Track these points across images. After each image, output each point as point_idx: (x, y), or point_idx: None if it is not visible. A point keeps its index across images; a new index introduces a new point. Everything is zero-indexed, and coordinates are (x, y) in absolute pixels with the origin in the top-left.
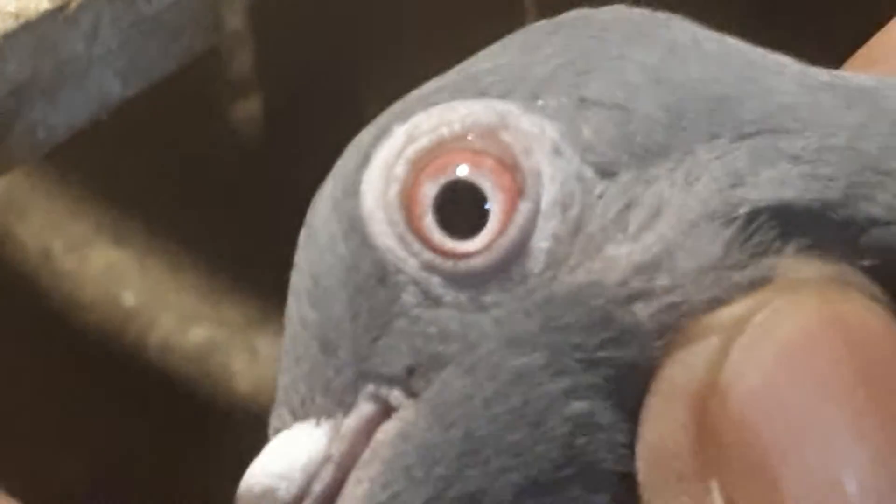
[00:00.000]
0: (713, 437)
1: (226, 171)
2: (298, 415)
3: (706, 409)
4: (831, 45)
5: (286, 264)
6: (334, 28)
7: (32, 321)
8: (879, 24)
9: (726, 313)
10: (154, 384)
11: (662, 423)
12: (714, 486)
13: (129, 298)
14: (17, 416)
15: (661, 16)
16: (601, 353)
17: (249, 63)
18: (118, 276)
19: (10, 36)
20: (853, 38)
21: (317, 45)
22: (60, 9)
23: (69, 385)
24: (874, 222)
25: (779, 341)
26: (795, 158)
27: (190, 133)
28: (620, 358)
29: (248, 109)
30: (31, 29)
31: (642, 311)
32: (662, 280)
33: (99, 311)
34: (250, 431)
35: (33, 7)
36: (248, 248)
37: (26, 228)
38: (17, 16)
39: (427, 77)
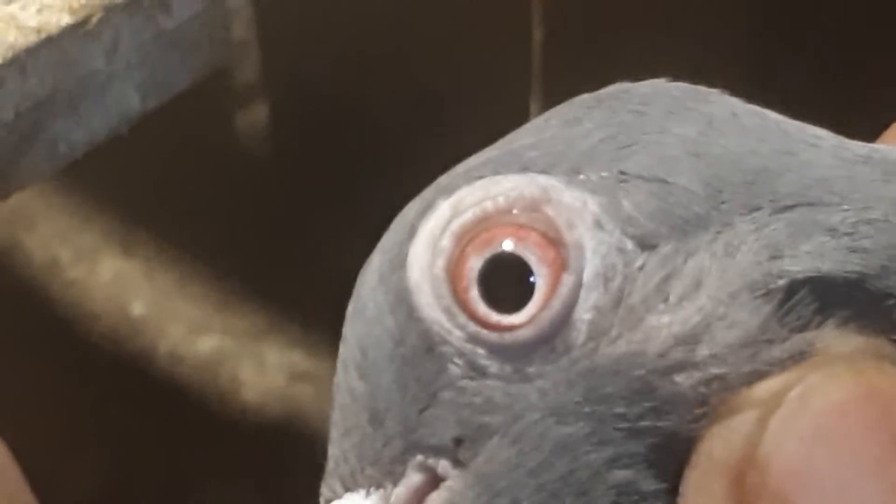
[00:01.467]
0: None
1: (233, 181)
2: (349, 485)
3: (745, 482)
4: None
5: (294, 274)
6: (340, 38)
7: (41, 331)
8: None
9: (764, 388)
10: (162, 394)
11: (702, 497)
12: None
13: (137, 308)
14: (25, 425)
15: (701, 89)
16: (643, 423)
17: (256, 72)
18: (126, 286)
19: (32, 51)
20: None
21: (323, 55)
22: (81, 24)
23: (78, 394)
24: None
25: (815, 415)
26: (833, 231)
27: (197, 143)
28: (662, 428)
29: (254, 119)
30: (53, 44)
31: (683, 381)
32: (702, 351)
33: (107, 320)
34: (256, 439)
35: (54, 22)
36: (256, 258)
37: (35, 239)
38: (38, 31)
39: (434, 83)
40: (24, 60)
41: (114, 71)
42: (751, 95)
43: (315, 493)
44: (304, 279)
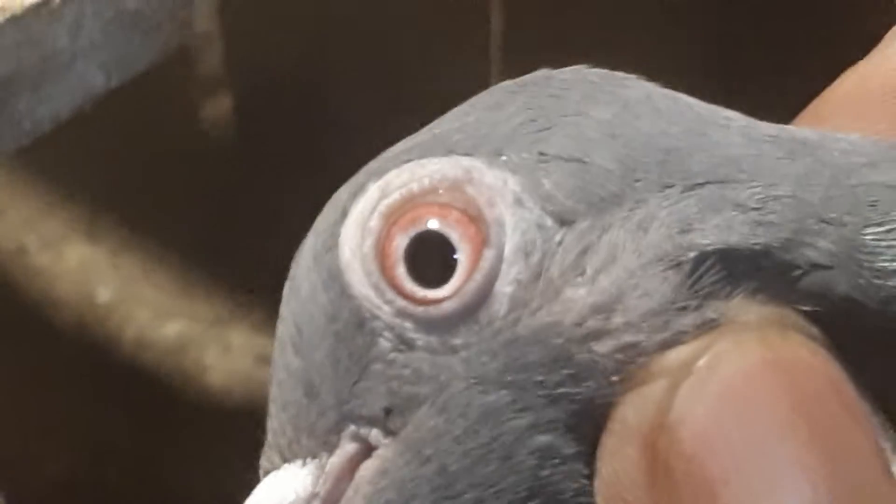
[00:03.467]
0: (664, 474)
1: (198, 169)
2: (286, 456)
3: (657, 447)
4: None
5: (258, 260)
6: (303, 27)
7: (7, 317)
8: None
9: (674, 356)
10: (129, 378)
11: (617, 461)
12: None
13: (103, 294)
14: None
15: (618, 75)
16: (561, 390)
17: (220, 61)
18: (92, 273)
19: None
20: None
21: (285, 44)
22: (45, 3)
23: (45, 380)
24: (815, 267)
25: (722, 382)
26: (741, 206)
27: (162, 131)
28: (579, 394)
29: (218, 107)
30: (16, 23)
31: (599, 349)
32: (617, 320)
33: (74, 307)
34: (222, 423)
35: (18, 2)
36: (220, 244)
37: (2, 226)
38: (2, 9)
39: (396, 74)
40: None
41: (77, 49)
42: (708, 75)
43: None
44: (268, 265)
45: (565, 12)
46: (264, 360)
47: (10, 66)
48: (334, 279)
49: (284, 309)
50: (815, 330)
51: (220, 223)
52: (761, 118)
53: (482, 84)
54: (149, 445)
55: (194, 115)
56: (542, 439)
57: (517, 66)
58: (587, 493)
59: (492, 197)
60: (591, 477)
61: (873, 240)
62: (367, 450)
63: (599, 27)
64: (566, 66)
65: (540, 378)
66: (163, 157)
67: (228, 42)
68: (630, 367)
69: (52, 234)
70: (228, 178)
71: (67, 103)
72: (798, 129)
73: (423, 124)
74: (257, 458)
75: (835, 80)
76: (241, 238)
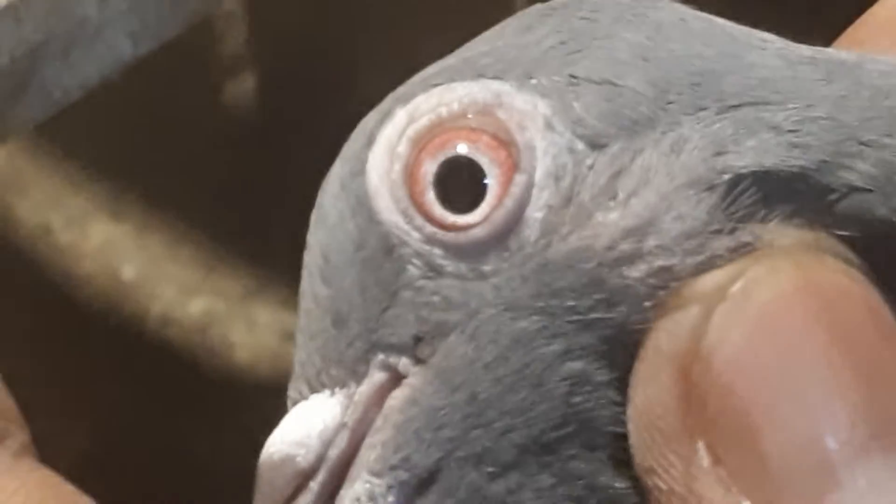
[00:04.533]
0: (698, 400)
1: (222, 145)
2: (314, 386)
3: (690, 373)
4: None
5: (283, 236)
6: (328, 5)
7: (32, 296)
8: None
9: (708, 281)
10: (154, 355)
11: (650, 388)
12: (700, 445)
13: (128, 272)
14: (18, 390)
15: None
16: (593, 315)
17: (243, 40)
18: (117, 250)
19: None
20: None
21: (311, 21)
22: None
23: (70, 358)
24: (852, 189)
25: (756, 307)
26: (777, 128)
27: (187, 109)
28: (612, 319)
29: (243, 85)
30: None
31: (631, 273)
32: (650, 243)
33: (98, 284)
34: (249, 400)
35: None
36: (245, 220)
37: (26, 204)
38: None
39: (422, 52)
40: (18, 7)
41: (105, 18)
42: None
43: None
44: (293, 241)
45: None
46: (290, 336)
47: (39, 35)
48: (362, 205)
49: (311, 238)
50: (852, 255)
51: (244, 201)
52: None
53: None
54: (175, 422)
55: (219, 90)
56: (574, 366)
57: None
58: (620, 420)
59: (522, 121)
60: (623, 404)
61: None
62: (396, 378)
63: None
64: None
65: (571, 303)
66: (187, 136)
67: (253, 20)
68: (663, 292)
69: (77, 213)
70: (254, 155)
71: (96, 72)
72: (836, 51)
73: None
74: None
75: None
76: (266, 215)
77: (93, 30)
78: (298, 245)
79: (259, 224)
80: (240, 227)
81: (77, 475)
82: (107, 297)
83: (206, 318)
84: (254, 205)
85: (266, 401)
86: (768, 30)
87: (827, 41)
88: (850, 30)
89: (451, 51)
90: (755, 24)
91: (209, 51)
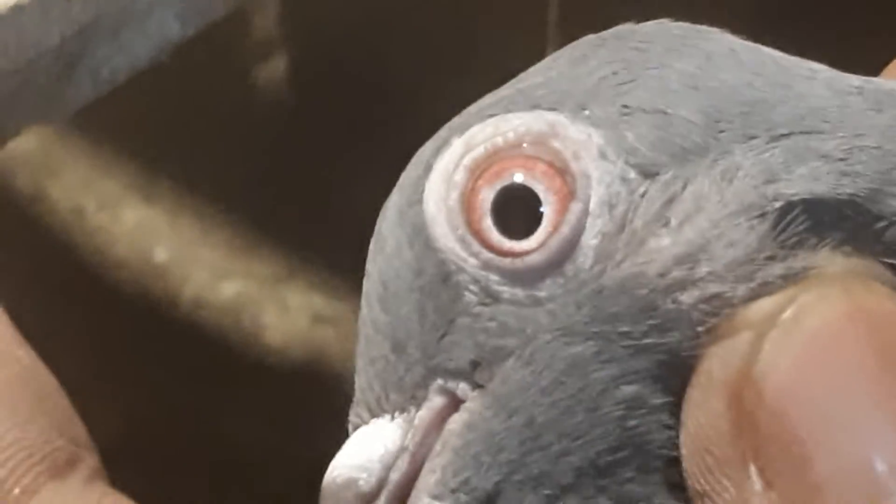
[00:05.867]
0: (750, 425)
1: (254, 129)
2: (374, 411)
3: (742, 399)
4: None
5: (315, 219)
6: None
7: (65, 278)
8: None
9: (759, 308)
10: (187, 338)
11: (703, 413)
12: (753, 470)
13: (160, 254)
14: (51, 370)
15: (702, 28)
16: (647, 340)
17: (275, 24)
18: (149, 233)
19: None
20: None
21: (343, 5)
22: None
23: (103, 341)
24: None
25: (807, 334)
26: (827, 157)
27: (219, 92)
28: (665, 344)
29: (274, 69)
30: None
31: (684, 299)
32: (702, 269)
33: (131, 267)
34: (281, 381)
35: None
36: (277, 203)
37: (59, 187)
38: None
39: (451, 40)
40: None
41: None
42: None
43: (337, 433)
44: (324, 224)
45: None
46: (321, 319)
47: (88, 15)
48: (419, 233)
49: (370, 265)
50: None
51: (276, 183)
52: None
53: (538, 44)
54: (207, 404)
55: (251, 77)
56: (629, 390)
57: (575, 33)
58: (674, 444)
59: (577, 150)
60: (677, 428)
61: None
62: (455, 403)
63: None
64: None
65: (625, 329)
66: (219, 120)
67: (284, 4)
68: (715, 318)
69: (109, 195)
70: (284, 137)
71: (145, 52)
72: (885, 81)
73: (476, 83)
74: (316, 415)
75: None
76: (298, 198)
77: (142, 11)
78: (330, 229)
79: (291, 207)
80: (272, 211)
81: (111, 457)
82: (139, 280)
83: (238, 301)
84: (286, 188)
85: (297, 383)
86: (819, 58)
87: (876, 71)
88: None
89: (479, 30)
90: (807, 51)
91: (241, 35)
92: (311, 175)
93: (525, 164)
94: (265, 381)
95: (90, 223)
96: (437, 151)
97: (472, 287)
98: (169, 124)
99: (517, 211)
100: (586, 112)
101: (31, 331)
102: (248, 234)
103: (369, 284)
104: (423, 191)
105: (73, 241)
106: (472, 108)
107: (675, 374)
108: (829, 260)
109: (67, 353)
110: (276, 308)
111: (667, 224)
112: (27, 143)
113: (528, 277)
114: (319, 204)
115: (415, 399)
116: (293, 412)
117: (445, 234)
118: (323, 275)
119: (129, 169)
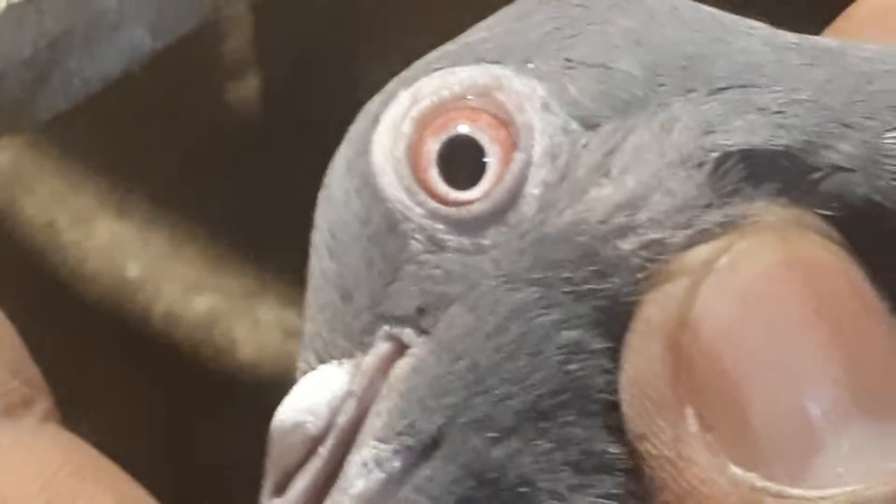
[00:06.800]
0: (687, 369)
1: (227, 145)
2: (322, 357)
3: (679, 343)
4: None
5: (286, 235)
6: (334, 7)
7: (38, 293)
8: None
9: (696, 255)
10: (159, 353)
11: (641, 358)
12: (689, 412)
13: (132, 269)
14: None
15: None
16: (588, 286)
17: (247, 41)
18: (122, 248)
19: None
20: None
21: (316, 24)
22: None
23: (75, 356)
24: (835, 169)
25: (743, 280)
26: (763, 110)
27: (191, 108)
28: (605, 290)
29: (247, 86)
30: None
31: (623, 245)
32: (641, 216)
33: (103, 282)
34: (253, 398)
35: None
36: (249, 219)
37: (32, 202)
38: None
39: (425, 54)
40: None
41: (125, 10)
42: None
43: None
44: (296, 239)
45: None
46: (293, 334)
47: (61, 26)
48: (367, 184)
49: (318, 216)
50: (834, 232)
51: (249, 199)
52: None
53: None
54: (179, 419)
55: (223, 93)
56: (570, 335)
57: None
58: (613, 388)
59: (521, 102)
60: (617, 372)
61: (894, 143)
62: (401, 349)
63: None
64: None
65: (567, 275)
66: (191, 135)
67: (257, 22)
68: (654, 264)
69: (82, 211)
70: (258, 155)
71: (116, 63)
72: (821, 38)
73: None
74: None
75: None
76: (270, 214)
77: (112, 22)
78: (301, 244)
79: (262, 223)
80: (244, 226)
81: None
82: (111, 295)
83: (210, 316)
84: (258, 204)
85: (269, 397)
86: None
87: (817, 33)
88: (835, 22)
89: None
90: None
91: (214, 51)
92: (284, 190)
93: (470, 116)
94: (238, 396)
95: (62, 238)
96: (385, 104)
97: (417, 235)
98: (142, 140)
99: (463, 161)
100: (530, 65)
101: None
102: (220, 249)
103: (318, 235)
104: (370, 142)
105: (44, 256)
106: (420, 63)
107: (616, 320)
108: (766, 209)
109: (39, 367)
110: (248, 323)
111: (608, 174)
112: None
113: (472, 226)
114: (291, 220)
115: (362, 345)
116: (265, 427)
117: (392, 183)
118: (295, 290)
119: (101, 184)
